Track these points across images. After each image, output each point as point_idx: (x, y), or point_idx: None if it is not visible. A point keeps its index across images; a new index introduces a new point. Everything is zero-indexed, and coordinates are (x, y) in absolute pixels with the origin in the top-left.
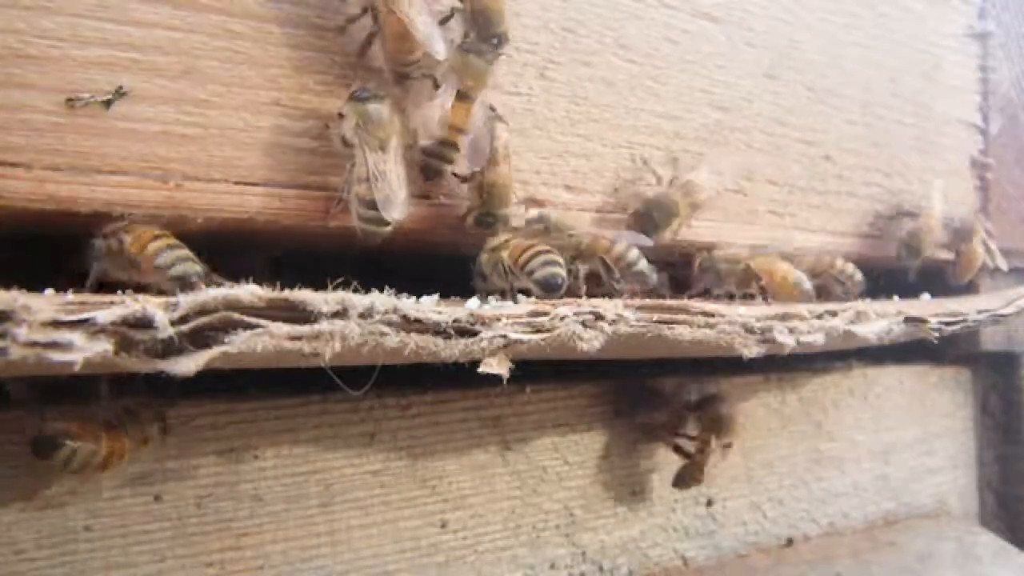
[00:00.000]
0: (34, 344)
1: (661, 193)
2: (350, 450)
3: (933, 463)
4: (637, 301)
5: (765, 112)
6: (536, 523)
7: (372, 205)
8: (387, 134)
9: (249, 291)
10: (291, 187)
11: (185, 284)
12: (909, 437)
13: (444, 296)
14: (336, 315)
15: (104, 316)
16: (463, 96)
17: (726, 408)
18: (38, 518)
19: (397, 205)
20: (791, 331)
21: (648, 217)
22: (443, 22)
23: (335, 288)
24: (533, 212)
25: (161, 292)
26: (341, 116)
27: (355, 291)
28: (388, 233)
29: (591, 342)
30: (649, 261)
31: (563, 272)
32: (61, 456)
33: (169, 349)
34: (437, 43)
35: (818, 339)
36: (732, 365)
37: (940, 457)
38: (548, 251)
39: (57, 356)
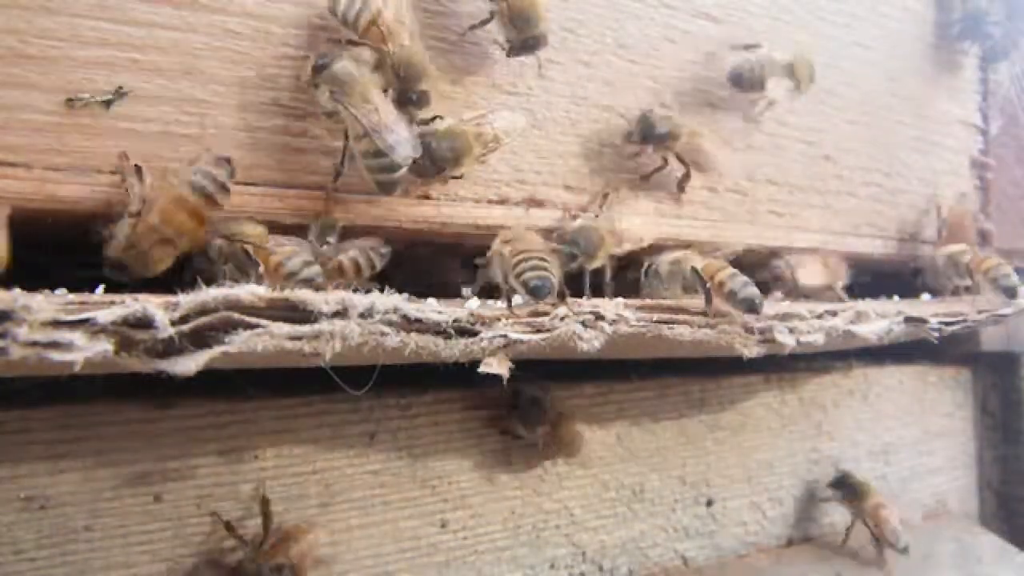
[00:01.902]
0: (34, 344)
1: None
2: (350, 450)
3: (933, 463)
4: (637, 301)
5: (765, 112)
6: (536, 523)
7: (379, 154)
8: (363, 86)
9: (249, 291)
10: (291, 187)
11: None
12: (909, 437)
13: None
14: (336, 315)
15: (104, 316)
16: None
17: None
18: (38, 518)
19: (404, 143)
20: (791, 331)
21: None
22: (482, 24)
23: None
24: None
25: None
26: (316, 87)
27: (355, 291)
28: (401, 177)
29: (591, 342)
30: None
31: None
32: None
33: (169, 349)
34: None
35: (818, 339)
36: (732, 365)
37: (940, 457)
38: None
39: (57, 356)
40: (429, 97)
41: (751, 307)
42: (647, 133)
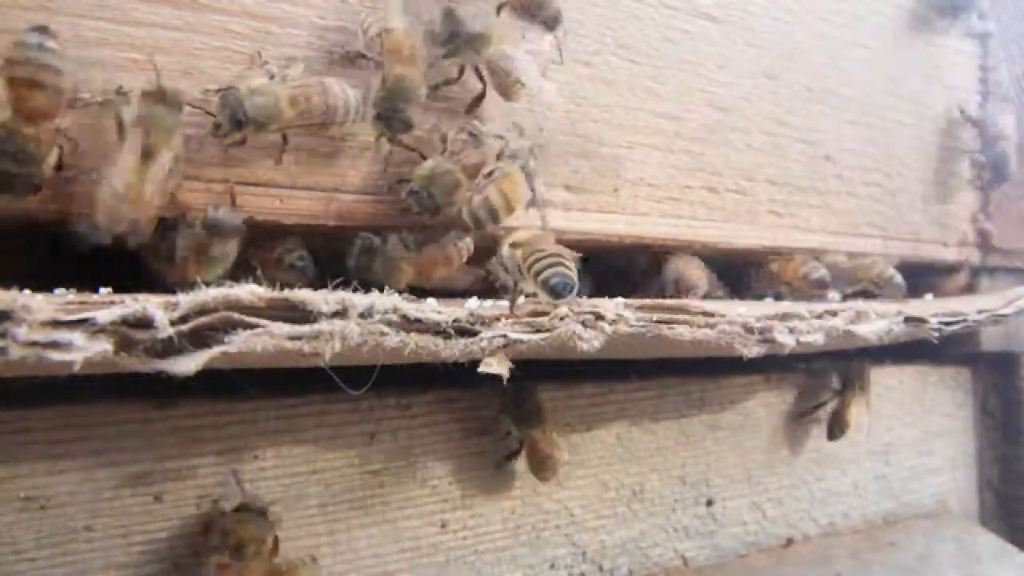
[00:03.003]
0: (34, 344)
1: None
2: (350, 450)
3: (933, 463)
4: (637, 301)
5: (765, 112)
6: (536, 523)
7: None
8: (278, 96)
9: (249, 291)
10: (291, 187)
11: None
12: (909, 437)
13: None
14: (336, 315)
15: (104, 316)
16: None
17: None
18: (38, 518)
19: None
20: (791, 331)
21: None
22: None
23: (335, 288)
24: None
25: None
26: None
27: (355, 291)
28: None
29: (591, 342)
30: None
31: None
32: None
33: (169, 349)
34: None
35: (818, 339)
36: (732, 365)
37: (940, 457)
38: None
39: (57, 356)
40: (411, 122)
41: (558, 293)
42: (453, 31)
